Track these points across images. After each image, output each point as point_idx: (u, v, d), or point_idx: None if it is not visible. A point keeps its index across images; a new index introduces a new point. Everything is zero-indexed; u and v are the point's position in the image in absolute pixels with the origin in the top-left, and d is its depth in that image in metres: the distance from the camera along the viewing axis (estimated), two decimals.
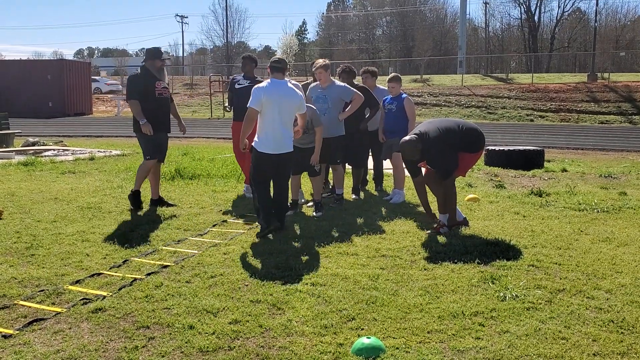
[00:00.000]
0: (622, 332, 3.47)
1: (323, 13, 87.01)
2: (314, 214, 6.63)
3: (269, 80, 5.78)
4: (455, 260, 4.84)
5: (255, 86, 5.78)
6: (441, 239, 5.55)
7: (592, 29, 51.97)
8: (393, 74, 7.73)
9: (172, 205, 7.16)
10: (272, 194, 5.96)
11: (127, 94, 7.00)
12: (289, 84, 5.80)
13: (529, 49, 61.73)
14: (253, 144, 5.78)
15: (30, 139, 15.76)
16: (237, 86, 7.67)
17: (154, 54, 7.07)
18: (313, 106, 6.65)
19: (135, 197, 6.97)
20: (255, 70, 7.93)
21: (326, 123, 6.72)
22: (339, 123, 7.02)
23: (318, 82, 7.16)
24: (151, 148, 6.97)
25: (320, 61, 7.19)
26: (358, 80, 8.02)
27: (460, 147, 5.81)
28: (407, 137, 5.83)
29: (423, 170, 6.11)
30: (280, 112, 5.62)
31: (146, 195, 7.19)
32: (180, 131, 7.48)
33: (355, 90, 7.16)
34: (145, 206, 7.07)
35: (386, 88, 8.26)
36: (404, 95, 7.54)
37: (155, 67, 7.01)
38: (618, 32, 63.63)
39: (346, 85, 7.21)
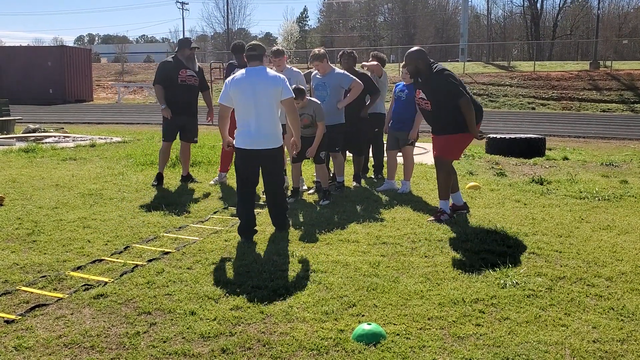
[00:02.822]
0: (622, 320, 3.48)
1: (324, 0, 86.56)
2: (321, 202, 6.59)
3: (243, 70, 5.19)
4: (456, 248, 4.85)
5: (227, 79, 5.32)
6: (442, 226, 5.56)
7: (595, 17, 51.65)
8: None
9: (197, 181, 7.89)
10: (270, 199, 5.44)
11: (154, 79, 7.67)
12: (267, 70, 5.15)
13: (531, 37, 61.37)
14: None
15: (31, 126, 15.75)
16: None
17: (182, 43, 7.70)
18: (315, 97, 6.63)
19: (158, 178, 7.59)
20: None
21: (326, 111, 6.70)
22: (338, 111, 6.98)
23: None
24: (165, 131, 7.67)
25: (316, 51, 7.09)
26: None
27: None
28: (418, 48, 5.80)
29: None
30: (254, 102, 4.99)
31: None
32: (206, 118, 8.05)
33: (354, 77, 7.11)
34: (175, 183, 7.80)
35: (367, 72, 8.06)
36: None
37: (184, 55, 7.57)
38: (621, 20, 63.33)
39: (345, 72, 7.16)
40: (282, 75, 5.21)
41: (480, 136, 5.74)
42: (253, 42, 5.37)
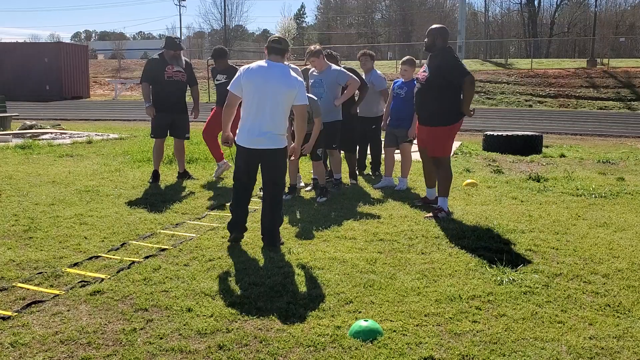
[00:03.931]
0: (618, 316, 3.49)
1: None
2: (318, 199, 6.59)
3: (263, 61, 4.84)
4: (453, 245, 4.86)
5: (243, 66, 4.95)
6: (439, 223, 5.56)
7: (592, 14, 51.72)
8: (407, 57, 7.26)
9: (194, 178, 7.85)
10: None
11: (141, 77, 7.70)
12: (288, 69, 4.82)
13: (529, 34, 61.38)
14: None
15: (28, 122, 15.70)
16: (215, 82, 7.80)
17: (166, 44, 7.61)
18: (312, 94, 6.62)
19: (153, 175, 7.58)
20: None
21: (323, 108, 6.68)
22: (335, 108, 6.97)
23: None
24: (154, 128, 7.60)
25: (312, 48, 7.07)
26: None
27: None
28: (443, 26, 5.94)
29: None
30: (263, 99, 4.64)
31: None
32: (191, 113, 7.94)
33: (351, 74, 7.10)
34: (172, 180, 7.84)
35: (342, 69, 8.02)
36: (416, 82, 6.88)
37: (168, 55, 7.54)
38: (618, 17, 63.36)
39: (341, 69, 7.15)
40: (300, 79, 4.88)
41: (471, 113, 5.85)
42: (278, 35, 4.98)
